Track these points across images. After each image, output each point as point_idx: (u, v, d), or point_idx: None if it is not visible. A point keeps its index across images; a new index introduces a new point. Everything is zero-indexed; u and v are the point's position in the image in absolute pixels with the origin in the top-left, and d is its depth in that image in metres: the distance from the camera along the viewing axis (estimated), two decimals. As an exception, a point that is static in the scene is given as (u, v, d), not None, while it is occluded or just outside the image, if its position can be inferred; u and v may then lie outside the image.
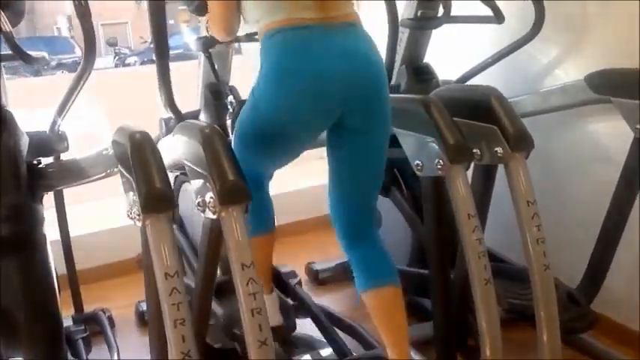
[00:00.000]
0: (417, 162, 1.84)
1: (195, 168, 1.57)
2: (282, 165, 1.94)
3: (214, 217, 1.50)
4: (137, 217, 1.47)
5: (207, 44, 2.01)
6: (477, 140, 1.85)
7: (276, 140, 1.77)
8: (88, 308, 2.82)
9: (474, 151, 1.87)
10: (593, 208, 2.34)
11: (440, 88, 2.10)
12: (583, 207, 2.59)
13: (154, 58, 1.98)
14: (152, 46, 2.04)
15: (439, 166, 1.75)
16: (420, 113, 1.81)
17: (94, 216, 3.56)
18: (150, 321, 1.69)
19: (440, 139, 1.75)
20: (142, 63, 16.55)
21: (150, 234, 1.45)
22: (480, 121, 1.86)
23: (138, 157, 1.47)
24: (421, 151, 1.82)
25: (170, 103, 2.13)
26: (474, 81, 2.76)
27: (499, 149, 1.79)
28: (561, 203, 2.70)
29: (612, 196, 2.24)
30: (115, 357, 2.33)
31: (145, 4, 2.25)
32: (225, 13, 1.73)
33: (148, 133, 1.53)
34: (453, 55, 3.01)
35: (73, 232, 2.77)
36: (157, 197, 1.44)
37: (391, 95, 1.99)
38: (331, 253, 3.19)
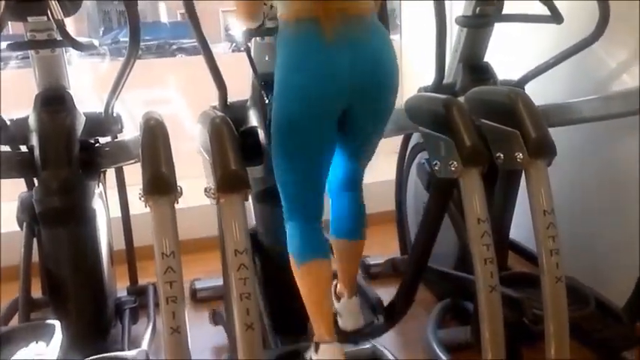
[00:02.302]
0: (436, 162, 1.82)
1: (205, 156, 1.64)
2: (315, 168, 1.87)
3: (215, 203, 1.57)
4: (143, 198, 1.56)
5: (246, 37, 2.07)
6: (500, 144, 1.81)
7: (297, 127, 1.76)
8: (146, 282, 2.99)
9: (497, 155, 1.82)
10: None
11: (476, 89, 2.05)
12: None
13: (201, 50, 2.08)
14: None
15: (453, 168, 1.73)
16: (441, 113, 1.80)
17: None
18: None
19: (456, 140, 1.73)
20: (256, 50, 16.97)
21: (152, 214, 1.54)
22: (506, 124, 1.81)
23: (147, 142, 1.57)
24: (440, 151, 1.81)
25: (219, 87, 2.22)
26: (539, 82, 2.67)
27: (519, 154, 1.74)
28: (616, 215, 2.56)
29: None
30: (150, 328, 2.46)
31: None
32: None
33: (161, 121, 1.62)
34: (521, 54, 2.92)
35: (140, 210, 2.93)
36: (159, 180, 1.53)
37: (418, 94, 1.98)
38: (386, 249, 3.23)
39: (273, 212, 2.15)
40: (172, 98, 4.14)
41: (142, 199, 1.56)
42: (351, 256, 2.09)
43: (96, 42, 2.15)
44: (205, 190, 1.63)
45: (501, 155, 1.82)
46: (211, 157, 1.57)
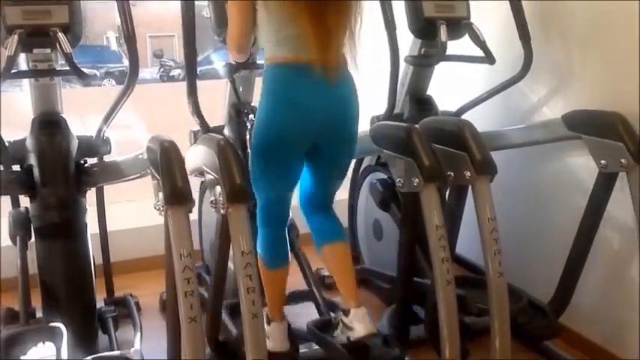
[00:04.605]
0: (399, 179, 2.18)
1: (211, 172, 1.94)
2: (285, 184, 2.22)
3: (223, 212, 1.86)
4: (161, 209, 1.84)
5: (232, 70, 2.38)
6: (451, 164, 2.19)
7: (273, 149, 2.10)
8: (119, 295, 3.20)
9: (449, 173, 2.20)
10: (569, 233, 2.61)
11: (427, 119, 2.44)
12: (560, 232, 2.86)
13: (185, 77, 2.38)
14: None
15: (415, 184, 2.09)
16: (404, 139, 2.17)
17: (131, 215, 3.94)
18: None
19: (417, 161, 2.09)
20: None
21: (171, 222, 1.82)
22: (455, 148, 2.20)
23: (165, 161, 1.85)
24: (403, 170, 2.17)
25: (198, 117, 2.52)
26: (474, 112, 3.09)
27: (467, 173, 2.13)
28: (542, 227, 3.00)
29: (580, 222, 2.53)
30: (139, 334, 2.70)
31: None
32: (239, 33, 2.11)
33: (174, 142, 1.91)
34: (459, 88, 3.34)
35: (112, 227, 3.16)
36: (178, 193, 1.82)
37: (383, 122, 2.35)
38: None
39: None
40: (132, 123, 4.36)
41: (161, 209, 1.84)
42: (341, 261, 2.30)
43: (97, 72, 2.40)
44: (211, 202, 1.92)
45: (452, 174, 2.21)
46: (219, 174, 1.86)
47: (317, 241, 2.32)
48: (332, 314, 2.43)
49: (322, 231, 2.31)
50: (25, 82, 2.60)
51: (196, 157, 2.10)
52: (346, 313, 2.21)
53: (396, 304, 2.46)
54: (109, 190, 3.03)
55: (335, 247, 2.29)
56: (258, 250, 2.22)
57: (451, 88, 3.31)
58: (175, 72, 19.30)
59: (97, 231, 2.99)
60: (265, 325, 2.24)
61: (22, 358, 2.08)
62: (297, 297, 2.84)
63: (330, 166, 2.23)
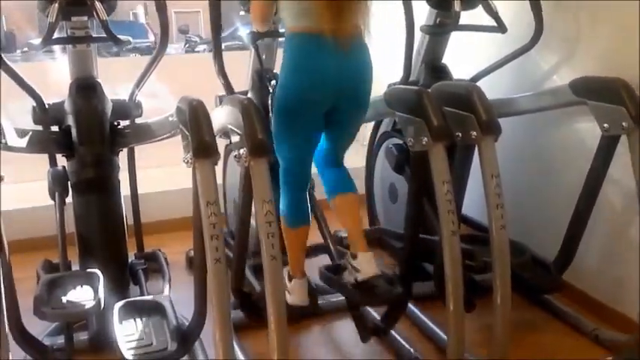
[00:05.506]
0: (410, 139, 2.33)
1: (235, 130, 2.10)
2: (305, 146, 2.38)
3: (245, 165, 2.04)
4: (189, 161, 2.02)
5: (255, 38, 2.54)
6: (459, 125, 2.33)
7: (294, 112, 2.27)
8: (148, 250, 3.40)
9: (457, 134, 2.35)
10: (573, 194, 2.74)
11: (438, 84, 2.58)
12: (565, 193, 2.98)
13: (212, 45, 2.53)
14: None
15: (424, 143, 2.24)
16: (415, 101, 2.31)
17: (160, 178, 4.15)
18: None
19: (426, 121, 2.24)
20: (210, 51, 17.22)
21: (198, 173, 2.00)
22: (463, 110, 2.33)
23: (193, 117, 2.02)
24: (413, 130, 2.31)
25: (224, 79, 2.68)
26: (487, 80, 3.22)
27: (473, 133, 2.27)
28: (548, 189, 3.14)
29: (584, 183, 2.65)
30: (167, 282, 2.91)
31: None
32: (263, 3, 2.28)
33: (202, 101, 2.08)
34: (475, 57, 3.46)
35: (141, 190, 3.36)
36: (204, 146, 1.99)
37: (397, 86, 2.49)
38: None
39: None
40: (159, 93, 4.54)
41: (189, 162, 2.02)
42: (350, 209, 2.44)
43: (130, 39, 2.58)
44: (235, 156, 2.10)
45: (459, 134, 2.35)
46: (243, 130, 2.03)
47: (329, 192, 2.46)
48: (342, 260, 2.56)
49: (334, 182, 2.46)
50: (58, 51, 2.80)
51: (222, 116, 2.27)
52: (354, 256, 2.37)
53: (403, 256, 2.62)
54: (140, 155, 3.24)
55: (346, 198, 2.43)
56: (282, 211, 2.40)
57: (467, 56, 3.44)
58: (200, 47, 19.45)
59: (129, 192, 3.20)
60: (287, 282, 2.44)
61: (62, 297, 2.28)
62: (313, 250, 3.01)
63: (343, 127, 2.39)
